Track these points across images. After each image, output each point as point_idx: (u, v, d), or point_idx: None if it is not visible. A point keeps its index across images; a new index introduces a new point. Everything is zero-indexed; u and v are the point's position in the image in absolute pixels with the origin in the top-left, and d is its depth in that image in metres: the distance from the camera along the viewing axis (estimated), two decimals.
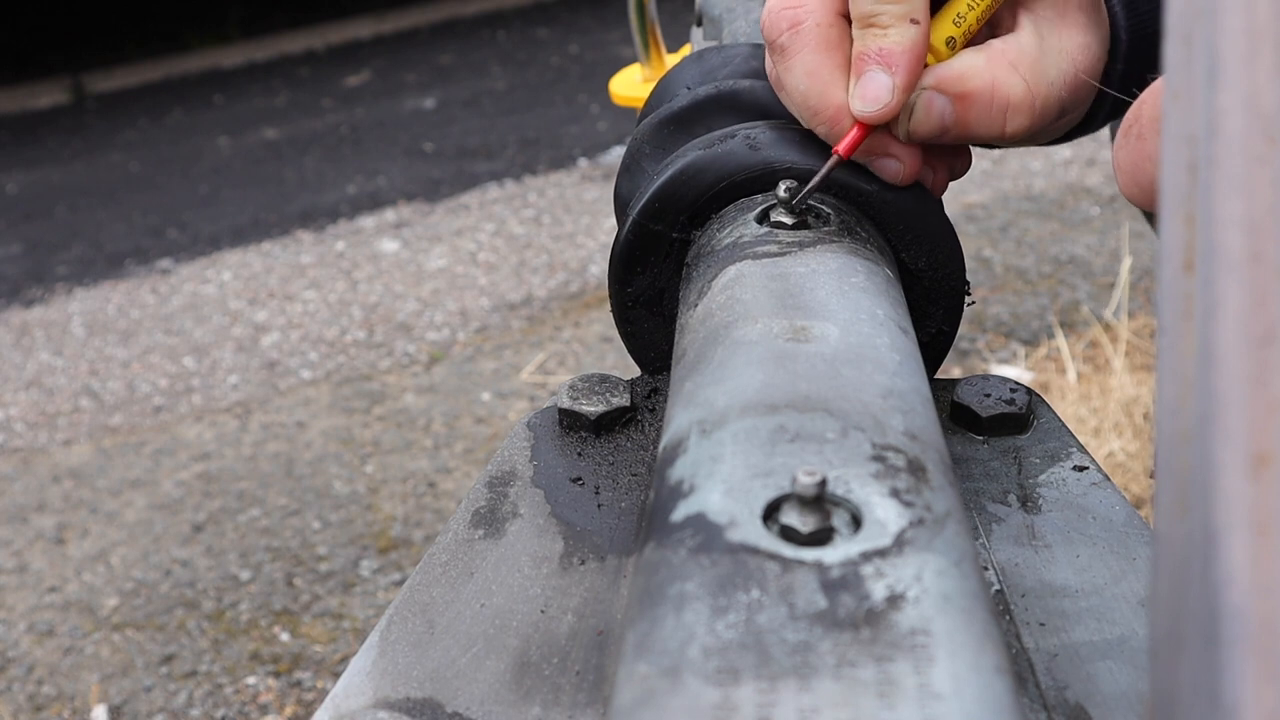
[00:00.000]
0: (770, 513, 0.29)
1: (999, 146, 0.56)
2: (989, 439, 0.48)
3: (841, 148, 0.47)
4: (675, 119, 0.53)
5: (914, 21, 0.46)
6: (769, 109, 0.52)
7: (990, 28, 0.50)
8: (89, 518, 2.52)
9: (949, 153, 0.51)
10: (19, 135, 5.44)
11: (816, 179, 0.47)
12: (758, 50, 0.57)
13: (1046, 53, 0.48)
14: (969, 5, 0.48)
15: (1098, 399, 2.27)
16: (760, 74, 0.55)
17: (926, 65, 0.48)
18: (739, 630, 0.25)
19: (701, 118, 0.53)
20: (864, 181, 0.49)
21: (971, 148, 0.55)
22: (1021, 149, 3.64)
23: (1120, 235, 3.00)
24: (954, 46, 0.48)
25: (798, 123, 0.50)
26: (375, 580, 2.21)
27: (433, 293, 3.34)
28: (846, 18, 0.48)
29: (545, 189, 3.99)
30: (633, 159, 0.54)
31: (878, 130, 0.48)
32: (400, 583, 2.19)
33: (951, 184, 0.54)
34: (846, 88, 0.47)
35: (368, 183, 4.25)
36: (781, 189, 0.45)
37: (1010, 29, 0.49)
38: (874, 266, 0.44)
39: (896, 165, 0.48)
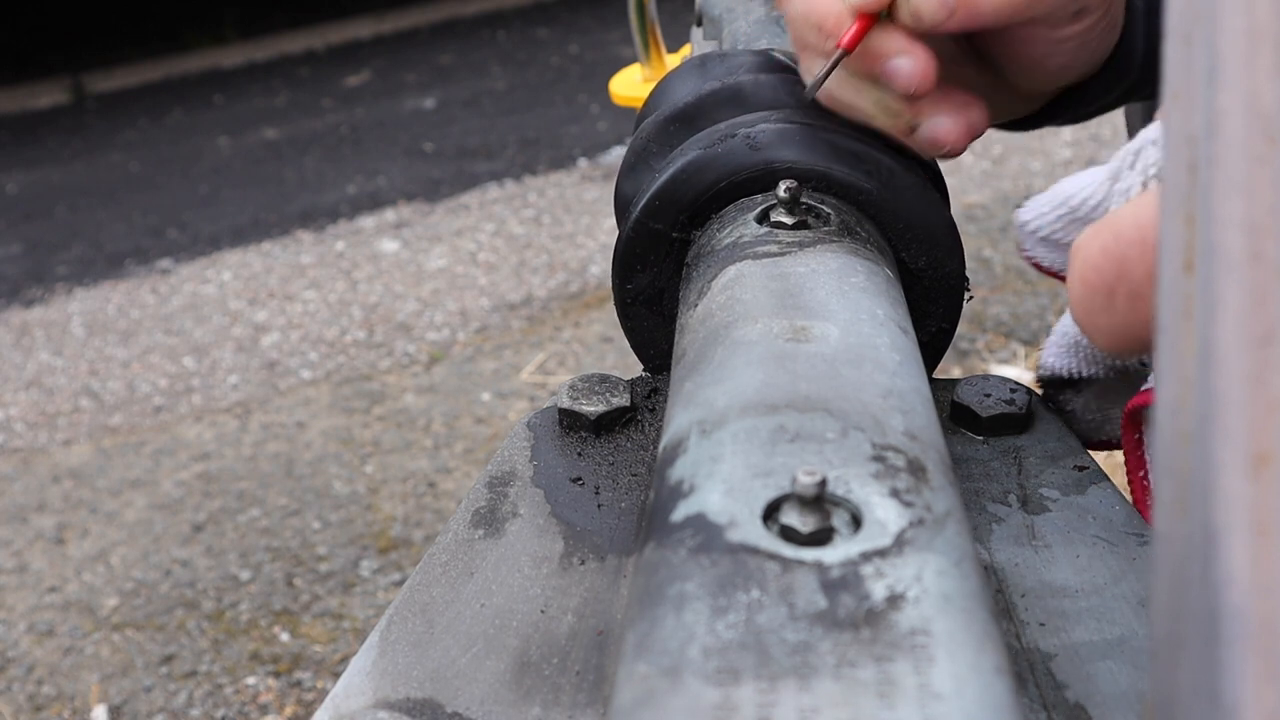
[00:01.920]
0: (770, 513, 0.29)
1: (1025, 90, 0.54)
2: (989, 439, 0.48)
3: (845, 40, 0.47)
4: (680, 116, 0.53)
5: None
6: (774, 106, 0.52)
7: None
8: (89, 518, 2.52)
9: (963, 101, 0.49)
10: (19, 135, 5.44)
11: (823, 71, 0.47)
12: (760, 56, 0.57)
13: None
14: None
15: None
16: (764, 73, 0.55)
17: None
18: (739, 630, 0.25)
19: (706, 115, 0.53)
20: (864, 181, 0.49)
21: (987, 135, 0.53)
22: (1022, 150, 3.64)
23: None
24: None
25: (799, 119, 0.50)
26: (375, 580, 2.21)
27: (433, 293, 3.34)
28: None
29: (545, 189, 3.99)
30: (637, 157, 0.54)
31: (881, 29, 0.47)
32: (400, 583, 2.19)
33: (952, 184, 0.53)
34: None
35: (368, 183, 4.25)
36: (782, 189, 0.45)
37: None
38: (874, 266, 0.44)
39: (909, 63, 0.47)
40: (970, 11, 0.47)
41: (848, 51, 0.47)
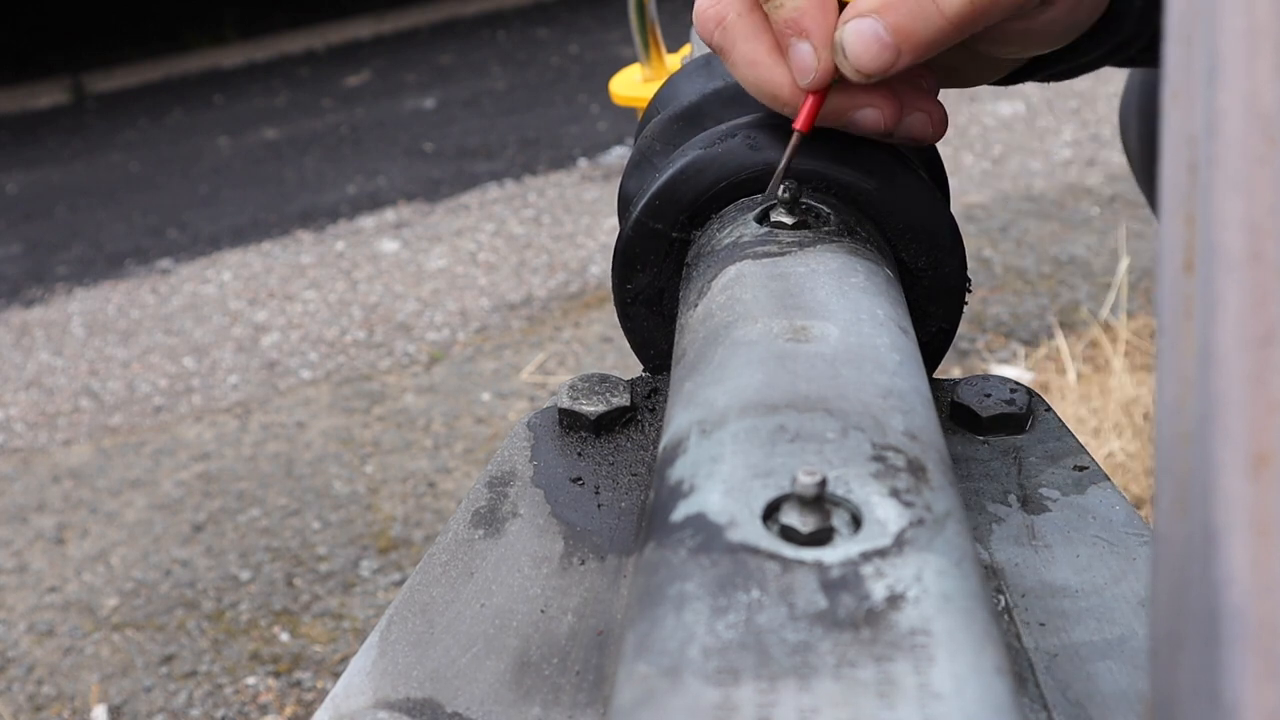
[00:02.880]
0: (770, 513, 0.29)
1: (1001, 59, 0.52)
2: (989, 439, 0.48)
3: (799, 123, 0.47)
4: (684, 115, 0.53)
5: None
6: None
7: None
8: (89, 518, 2.52)
9: (921, 96, 0.49)
10: (19, 135, 5.44)
11: (783, 164, 0.47)
12: None
13: None
14: None
15: (1097, 399, 2.27)
16: None
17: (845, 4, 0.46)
18: (739, 630, 0.25)
19: (710, 113, 0.53)
20: (864, 180, 0.49)
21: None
22: (1021, 150, 3.64)
23: (1119, 235, 3.00)
24: None
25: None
26: (375, 580, 2.21)
27: (433, 293, 3.34)
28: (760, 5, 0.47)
29: (545, 189, 3.99)
30: (642, 156, 0.54)
31: (836, 90, 0.47)
32: (400, 583, 2.19)
33: (952, 184, 0.53)
34: (785, 67, 0.47)
35: (368, 183, 4.25)
36: (782, 189, 0.45)
37: None
38: (874, 266, 0.44)
39: (874, 113, 0.47)
40: (915, 46, 0.45)
41: (804, 134, 0.47)
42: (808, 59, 0.46)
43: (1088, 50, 0.55)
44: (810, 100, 0.47)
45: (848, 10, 0.46)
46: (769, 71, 0.47)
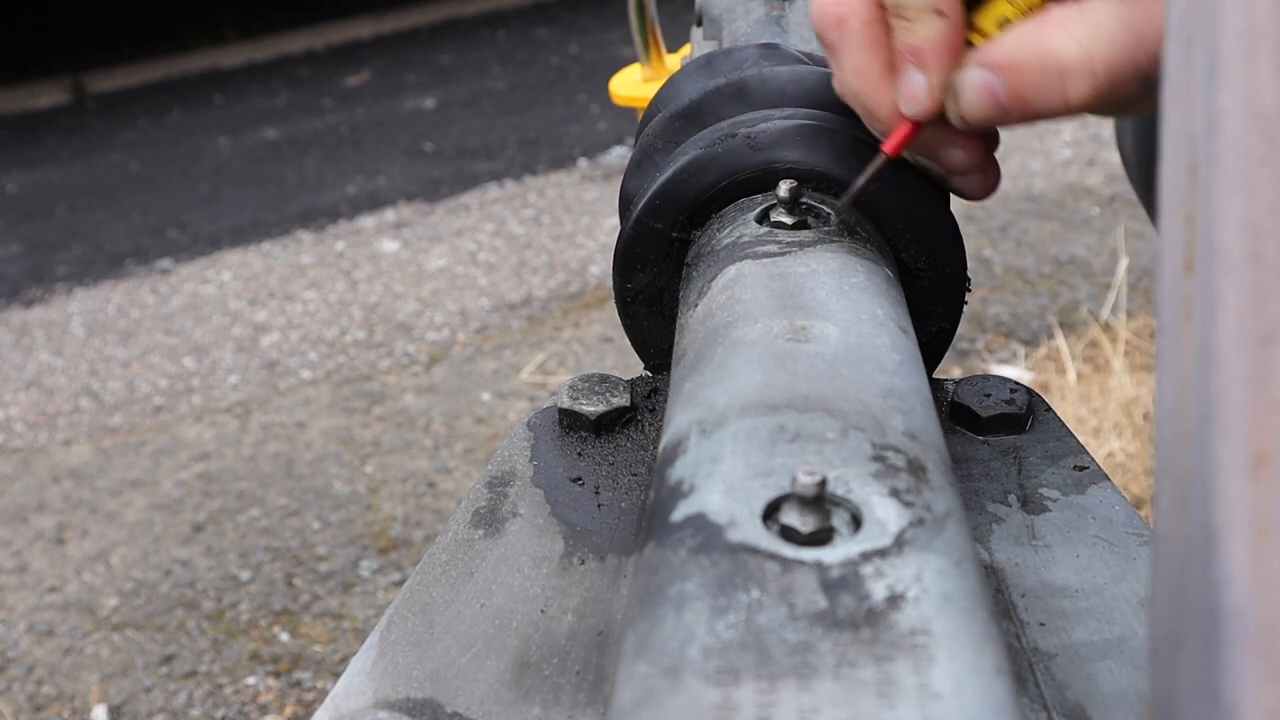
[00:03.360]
0: (770, 513, 0.29)
1: (1078, 114, 0.53)
2: (989, 439, 0.48)
3: (888, 146, 0.46)
4: (685, 114, 0.53)
5: (939, 13, 0.44)
6: (779, 99, 0.52)
7: None
8: (89, 518, 2.52)
9: (990, 162, 0.49)
10: (19, 135, 5.44)
11: (864, 178, 0.46)
12: (765, 51, 0.57)
13: (1118, 18, 0.43)
14: None
15: (1097, 399, 2.27)
16: (769, 67, 0.55)
17: (975, 47, 0.45)
18: (739, 630, 0.25)
19: (711, 111, 0.53)
20: (864, 181, 0.49)
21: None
22: (1021, 150, 3.63)
23: (1119, 235, 3.00)
24: (1008, 26, 0.45)
25: (800, 119, 0.50)
26: (375, 580, 2.21)
27: (433, 293, 3.34)
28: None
29: (545, 189, 3.99)
30: (643, 154, 0.54)
31: (935, 123, 0.46)
32: (400, 583, 2.19)
33: None
34: (893, 85, 0.46)
35: (368, 183, 4.25)
36: (782, 188, 0.45)
37: None
38: (874, 266, 0.44)
39: (959, 154, 0.47)
40: (1025, 114, 0.45)
41: (890, 158, 0.46)
42: (919, 90, 0.45)
43: None
44: (906, 128, 0.46)
45: (974, 55, 0.45)
46: (875, 89, 0.46)
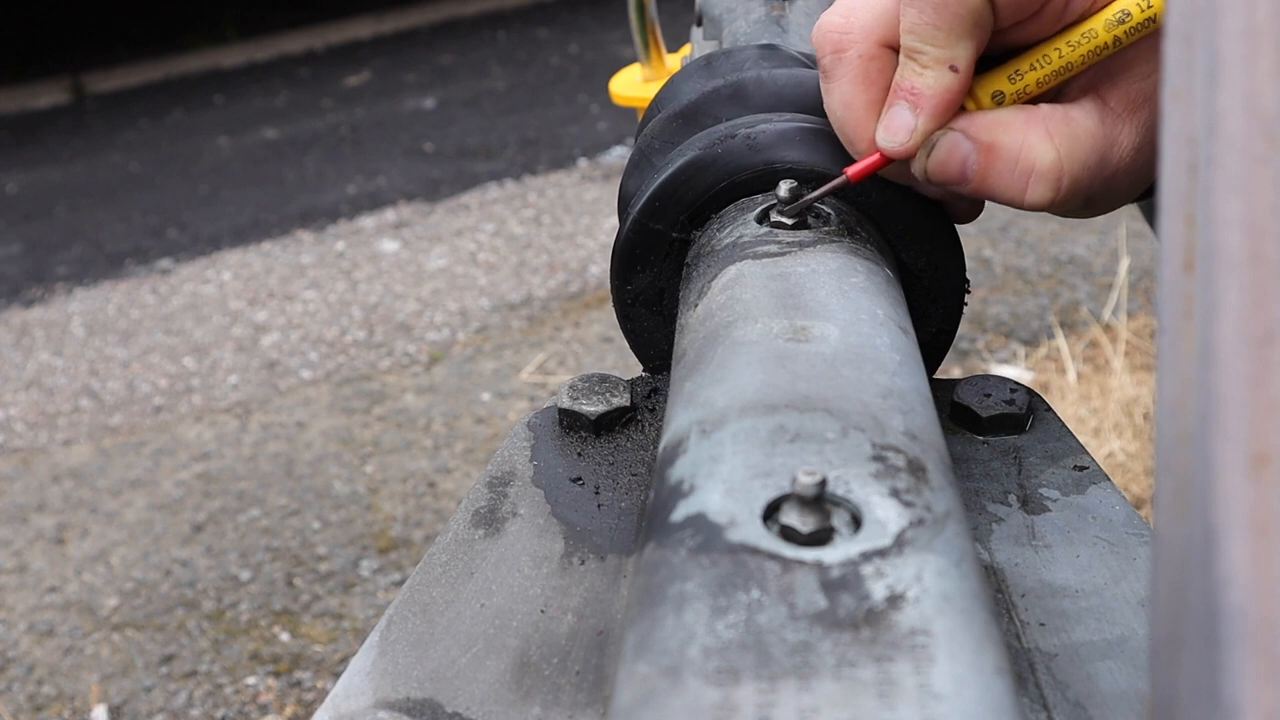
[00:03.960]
0: (770, 513, 0.29)
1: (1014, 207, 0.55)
2: (989, 439, 0.48)
3: (852, 171, 0.46)
4: (684, 114, 0.53)
5: (953, 69, 0.44)
6: (776, 102, 0.52)
7: (1054, 95, 0.47)
8: (89, 518, 2.52)
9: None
10: (19, 135, 5.44)
11: (817, 193, 0.46)
12: (765, 52, 0.57)
13: (1095, 137, 0.45)
14: (1031, 65, 0.46)
15: (1098, 399, 2.27)
16: (767, 68, 0.55)
17: (965, 111, 0.46)
18: (739, 630, 0.25)
19: (709, 112, 0.53)
20: (864, 181, 0.49)
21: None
22: None
23: (1119, 236, 3.00)
24: (1001, 102, 0.46)
25: (800, 119, 0.50)
26: (375, 580, 2.21)
27: (433, 293, 3.34)
28: (891, 48, 0.47)
29: (545, 189, 3.99)
30: (642, 155, 0.54)
31: (899, 162, 0.47)
32: (400, 583, 2.19)
33: None
34: (878, 120, 0.47)
35: (368, 183, 4.25)
36: (782, 189, 0.45)
37: (1070, 101, 0.46)
38: (874, 266, 0.44)
39: (932, 189, 0.48)
40: (984, 195, 0.46)
41: (850, 181, 0.47)
42: (902, 131, 0.45)
43: None
44: (878, 159, 0.46)
45: (962, 119, 0.45)
46: (858, 120, 0.47)
